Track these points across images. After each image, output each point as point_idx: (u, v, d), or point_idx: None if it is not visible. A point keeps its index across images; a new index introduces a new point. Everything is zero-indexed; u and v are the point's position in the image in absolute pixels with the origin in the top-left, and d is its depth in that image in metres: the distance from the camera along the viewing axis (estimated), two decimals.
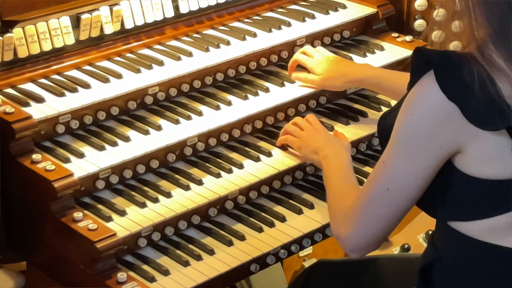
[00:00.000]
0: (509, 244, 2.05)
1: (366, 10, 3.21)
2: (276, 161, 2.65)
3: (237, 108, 2.74)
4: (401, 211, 2.09)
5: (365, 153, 2.85)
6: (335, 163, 2.45)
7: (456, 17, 2.01)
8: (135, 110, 2.69)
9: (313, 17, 3.13)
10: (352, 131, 2.82)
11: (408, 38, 3.18)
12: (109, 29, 2.79)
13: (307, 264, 3.47)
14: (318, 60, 2.87)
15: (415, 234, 3.55)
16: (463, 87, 1.93)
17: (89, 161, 2.45)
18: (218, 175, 2.57)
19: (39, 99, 2.54)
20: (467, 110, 1.93)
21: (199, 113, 2.69)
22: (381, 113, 2.90)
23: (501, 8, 1.93)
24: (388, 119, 2.17)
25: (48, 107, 2.52)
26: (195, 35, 2.98)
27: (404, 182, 2.05)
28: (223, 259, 2.37)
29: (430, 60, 1.97)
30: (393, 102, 2.98)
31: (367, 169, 2.76)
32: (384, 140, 2.12)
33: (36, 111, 2.48)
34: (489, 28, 1.94)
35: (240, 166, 2.61)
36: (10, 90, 2.59)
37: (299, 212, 2.56)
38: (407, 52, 3.12)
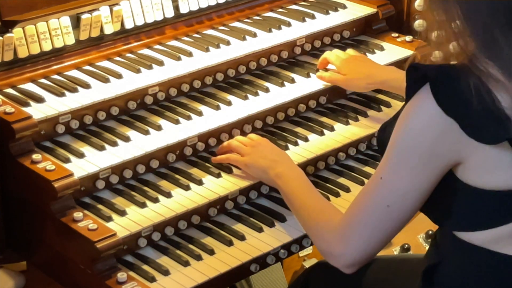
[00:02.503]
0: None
1: (366, 10, 3.21)
2: None
3: (237, 108, 2.74)
4: (401, 224, 2.07)
5: (365, 153, 2.85)
6: (294, 180, 2.40)
7: (440, 27, 1.97)
8: (135, 110, 2.69)
9: (313, 17, 3.13)
10: (352, 131, 2.82)
11: (408, 38, 3.18)
12: (109, 29, 2.79)
13: (307, 264, 3.47)
14: (345, 59, 2.89)
15: (415, 234, 3.54)
16: (460, 100, 1.90)
17: (89, 161, 2.44)
18: (218, 175, 2.57)
19: (39, 99, 2.54)
20: (465, 124, 1.91)
21: (199, 113, 2.69)
22: (382, 113, 2.93)
23: (483, 19, 1.90)
24: (387, 131, 2.13)
25: (48, 107, 2.52)
26: (195, 35, 2.98)
27: (406, 197, 2.01)
28: (223, 259, 2.37)
29: (425, 75, 1.94)
30: (394, 102, 2.98)
31: (367, 169, 2.76)
32: (384, 151, 2.08)
33: (36, 111, 2.48)
34: (476, 41, 1.91)
35: None
36: (10, 90, 2.59)
37: None
38: (407, 52, 3.12)
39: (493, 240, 2.04)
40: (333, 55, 2.93)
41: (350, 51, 2.97)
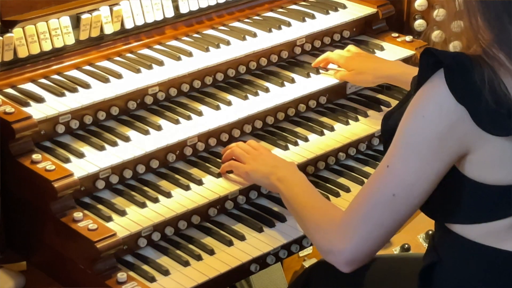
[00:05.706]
0: (507, 248, 2.04)
1: (366, 10, 3.21)
2: None
3: (237, 108, 2.74)
4: (404, 217, 2.04)
5: (365, 153, 2.85)
6: (297, 183, 2.39)
7: (457, 17, 2.00)
8: (135, 110, 2.69)
9: (313, 17, 3.13)
10: (352, 131, 2.82)
11: (408, 38, 3.19)
12: (109, 29, 2.79)
13: (307, 264, 3.47)
14: (349, 57, 2.90)
15: (415, 234, 3.55)
16: (472, 90, 1.90)
17: (89, 161, 2.44)
18: (218, 175, 2.57)
19: (39, 99, 2.54)
20: (476, 113, 1.91)
21: (199, 113, 2.69)
22: (382, 113, 2.93)
23: (497, 8, 1.91)
24: (391, 119, 2.11)
25: (48, 107, 2.52)
26: (195, 35, 2.98)
27: (414, 187, 1.98)
28: (223, 259, 2.37)
29: (440, 61, 1.94)
30: (394, 102, 2.98)
31: (367, 169, 2.76)
32: (388, 140, 2.05)
33: (36, 111, 2.48)
34: (491, 29, 1.92)
35: None
36: (10, 90, 2.59)
37: None
38: (407, 52, 3.12)
39: (487, 234, 2.04)
40: (335, 55, 2.92)
41: (351, 47, 2.97)
